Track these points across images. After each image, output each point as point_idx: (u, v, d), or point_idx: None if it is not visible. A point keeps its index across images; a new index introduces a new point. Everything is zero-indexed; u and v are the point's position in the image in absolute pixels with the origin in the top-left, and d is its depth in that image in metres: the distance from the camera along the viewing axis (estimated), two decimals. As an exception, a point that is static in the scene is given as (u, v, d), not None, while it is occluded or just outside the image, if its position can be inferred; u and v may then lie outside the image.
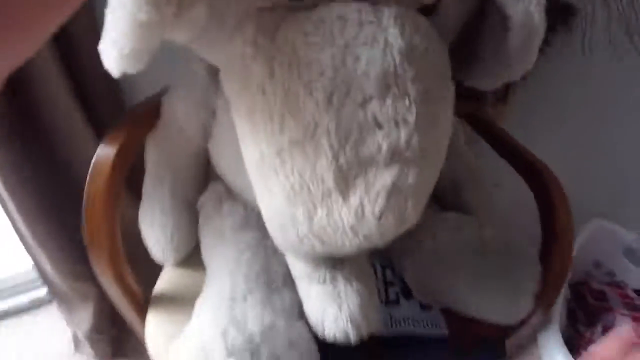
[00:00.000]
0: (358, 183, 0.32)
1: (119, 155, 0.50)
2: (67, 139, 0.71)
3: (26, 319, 0.99)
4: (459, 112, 0.69)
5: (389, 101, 0.32)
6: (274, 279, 0.46)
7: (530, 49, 0.38)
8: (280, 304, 0.44)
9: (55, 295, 0.84)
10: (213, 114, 0.52)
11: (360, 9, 0.33)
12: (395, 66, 0.32)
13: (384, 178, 0.32)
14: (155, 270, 0.62)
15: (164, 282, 0.58)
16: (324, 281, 0.41)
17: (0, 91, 0.23)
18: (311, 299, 0.42)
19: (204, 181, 0.60)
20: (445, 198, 0.66)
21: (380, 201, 0.31)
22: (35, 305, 0.99)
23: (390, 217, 0.32)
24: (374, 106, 0.32)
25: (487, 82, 0.45)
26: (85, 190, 0.50)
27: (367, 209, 0.32)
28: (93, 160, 0.51)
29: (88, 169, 0.51)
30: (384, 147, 0.32)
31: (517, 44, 0.38)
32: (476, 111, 0.76)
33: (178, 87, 0.55)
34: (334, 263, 0.41)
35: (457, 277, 0.51)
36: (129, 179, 0.54)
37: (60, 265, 0.77)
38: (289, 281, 0.45)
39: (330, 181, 0.32)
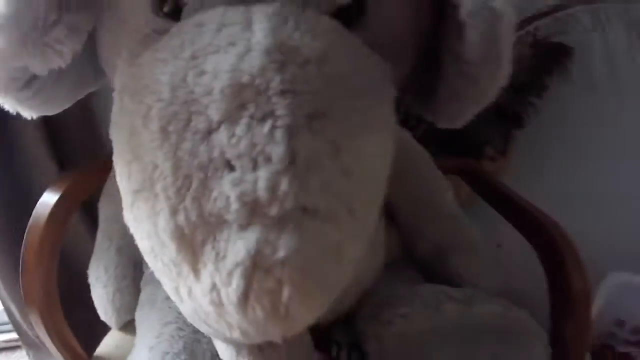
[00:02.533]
0: (206, 253, 0.22)
1: (57, 206, 0.47)
2: (38, 182, 0.70)
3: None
4: (453, 169, 0.63)
5: (240, 129, 0.22)
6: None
7: (493, 43, 0.28)
8: None
9: (24, 343, 0.80)
10: None
11: (227, 11, 0.25)
12: (252, 75, 0.23)
13: (237, 248, 0.22)
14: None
15: (106, 346, 0.53)
16: None
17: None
18: None
19: None
20: (428, 267, 0.53)
21: (236, 283, 0.21)
22: (10, 347, 0.96)
23: (258, 308, 0.21)
24: (220, 137, 0.23)
25: (454, 112, 0.36)
26: (23, 242, 0.48)
27: (223, 294, 0.22)
28: (34, 211, 0.48)
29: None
30: (232, 199, 0.22)
31: (474, 38, 0.28)
32: (472, 166, 0.68)
33: None
34: (259, 345, 0.31)
35: None
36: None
37: (27, 314, 0.74)
38: None
39: (172, 248, 0.23)
